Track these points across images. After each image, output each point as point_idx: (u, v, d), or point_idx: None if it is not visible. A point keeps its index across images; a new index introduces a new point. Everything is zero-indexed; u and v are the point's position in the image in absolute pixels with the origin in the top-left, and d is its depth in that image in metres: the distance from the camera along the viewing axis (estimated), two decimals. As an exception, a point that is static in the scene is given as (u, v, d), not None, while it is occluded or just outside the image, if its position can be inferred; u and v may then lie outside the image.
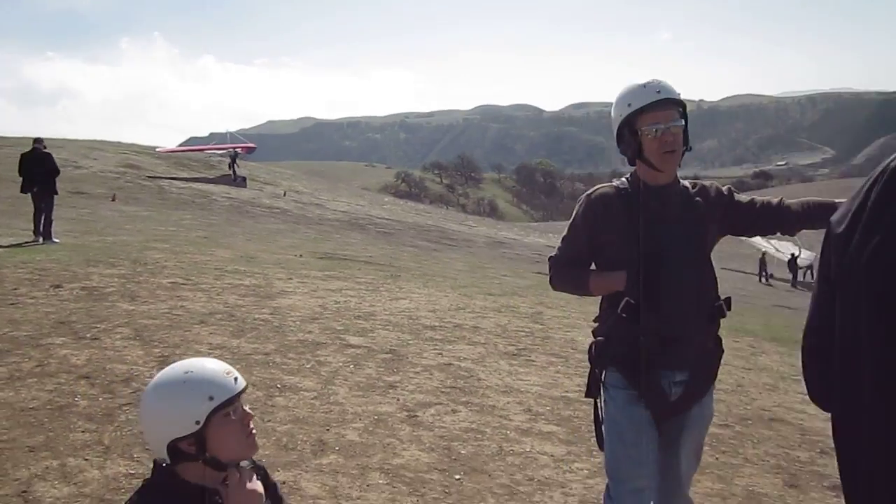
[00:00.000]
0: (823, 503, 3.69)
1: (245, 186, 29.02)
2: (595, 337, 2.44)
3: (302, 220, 22.24)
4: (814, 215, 2.45)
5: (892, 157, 1.25)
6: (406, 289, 9.59)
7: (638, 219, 2.31)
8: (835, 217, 1.33)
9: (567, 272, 2.48)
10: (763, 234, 2.56)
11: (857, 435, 1.27)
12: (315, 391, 4.70)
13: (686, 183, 2.45)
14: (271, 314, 6.83)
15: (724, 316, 2.39)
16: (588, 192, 2.48)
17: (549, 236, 33.52)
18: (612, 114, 2.44)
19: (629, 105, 2.34)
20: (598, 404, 2.44)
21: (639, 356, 2.28)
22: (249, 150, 35.35)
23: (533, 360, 6.10)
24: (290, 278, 9.23)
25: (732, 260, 41.33)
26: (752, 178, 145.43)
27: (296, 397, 4.55)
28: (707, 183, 2.51)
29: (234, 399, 1.70)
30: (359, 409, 4.46)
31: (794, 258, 31.93)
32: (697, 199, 2.41)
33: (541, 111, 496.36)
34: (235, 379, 1.74)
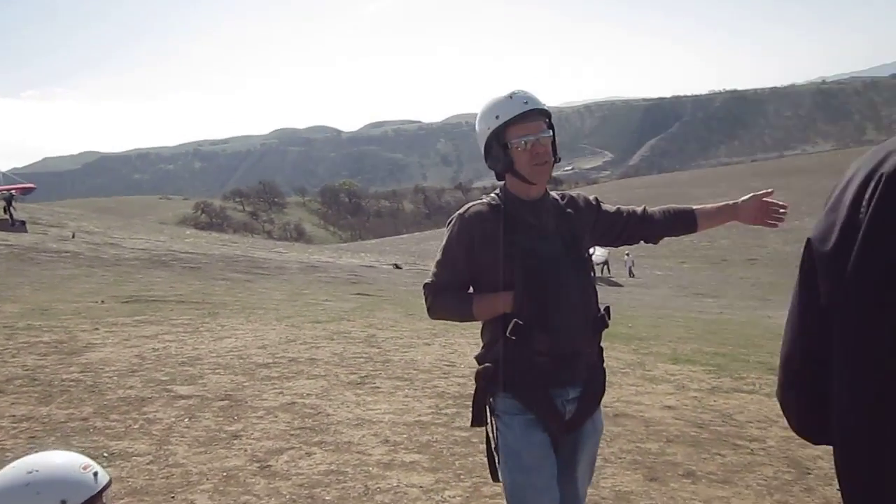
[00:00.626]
0: (684, 491, 3.82)
1: (26, 231, 26.28)
2: (481, 363, 2.31)
3: (97, 262, 20.43)
4: (674, 224, 2.50)
5: (873, 161, 1.17)
6: (229, 326, 9.02)
7: (515, 235, 2.22)
8: (815, 234, 1.23)
9: (447, 299, 2.32)
10: (629, 244, 2.57)
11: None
12: (150, 454, 4.20)
13: (554, 195, 2.41)
14: (82, 372, 6.10)
15: (606, 326, 2.36)
16: (461, 211, 2.35)
17: (363, 256, 33.40)
18: (478, 127, 2.33)
19: (497, 118, 2.25)
20: (489, 433, 2.31)
21: (534, 378, 2.19)
22: (27, 192, 32.23)
23: (378, 387, 5.90)
24: (97, 328, 8.35)
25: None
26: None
27: (128, 465, 4.03)
28: (574, 193, 2.48)
29: (95, 500, 1.38)
30: (203, 467, 4.04)
31: (589, 256, 34.15)
32: (569, 210, 2.37)
33: (339, 132, 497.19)
34: (95, 475, 1.41)
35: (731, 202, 2.49)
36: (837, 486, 1.25)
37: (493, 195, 2.36)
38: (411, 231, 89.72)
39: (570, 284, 2.24)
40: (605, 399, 5.90)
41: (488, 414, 2.30)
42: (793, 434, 1.77)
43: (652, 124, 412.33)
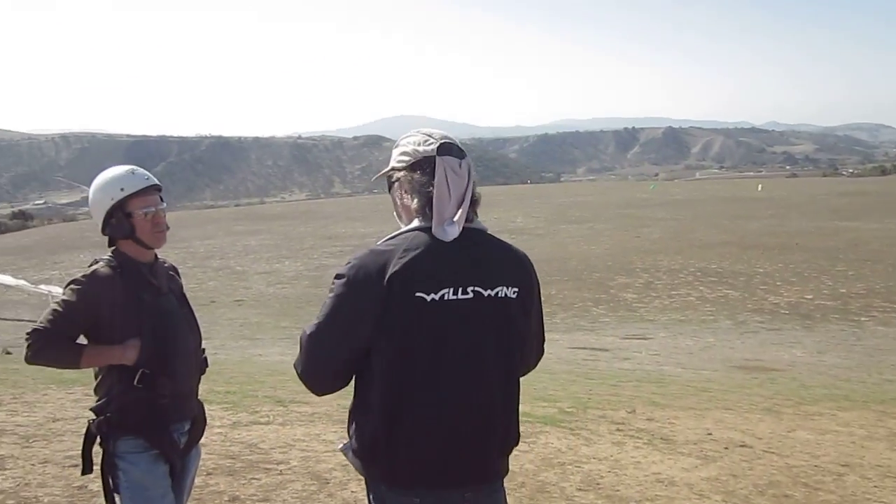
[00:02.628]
0: None
1: None
2: (100, 414, 2.55)
3: None
4: None
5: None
6: None
7: (141, 293, 2.56)
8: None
9: (55, 346, 2.51)
10: None
11: None
12: None
13: (161, 257, 2.80)
14: None
15: (207, 366, 2.84)
16: (86, 273, 2.58)
17: None
18: (96, 197, 2.62)
19: (122, 189, 2.58)
20: (107, 478, 2.56)
21: (159, 419, 2.54)
22: None
23: None
24: None
25: (6, 307, 38.60)
26: (11, 219, 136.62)
27: None
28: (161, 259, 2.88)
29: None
30: None
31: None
32: (171, 272, 2.81)
33: None
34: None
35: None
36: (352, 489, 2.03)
37: (106, 259, 2.64)
38: None
39: (185, 335, 2.68)
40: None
41: (103, 458, 2.56)
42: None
43: (135, 162, 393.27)
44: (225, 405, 7.88)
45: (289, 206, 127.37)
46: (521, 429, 2.21)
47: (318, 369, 2.04)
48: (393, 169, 2.13)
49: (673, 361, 17.33)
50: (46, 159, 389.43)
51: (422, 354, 1.94)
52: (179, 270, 2.87)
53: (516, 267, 2.08)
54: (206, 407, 7.89)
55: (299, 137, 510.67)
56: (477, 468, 2.05)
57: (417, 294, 1.92)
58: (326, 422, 7.00)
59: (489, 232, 2.10)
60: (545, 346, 2.29)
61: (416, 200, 2.02)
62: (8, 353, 17.19)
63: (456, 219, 1.97)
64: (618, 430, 7.05)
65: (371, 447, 2.01)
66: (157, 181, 2.70)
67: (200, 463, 5.46)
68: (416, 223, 2.03)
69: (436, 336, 1.94)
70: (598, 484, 5.17)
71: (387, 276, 1.90)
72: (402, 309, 1.91)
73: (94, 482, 4.74)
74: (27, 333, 2.54)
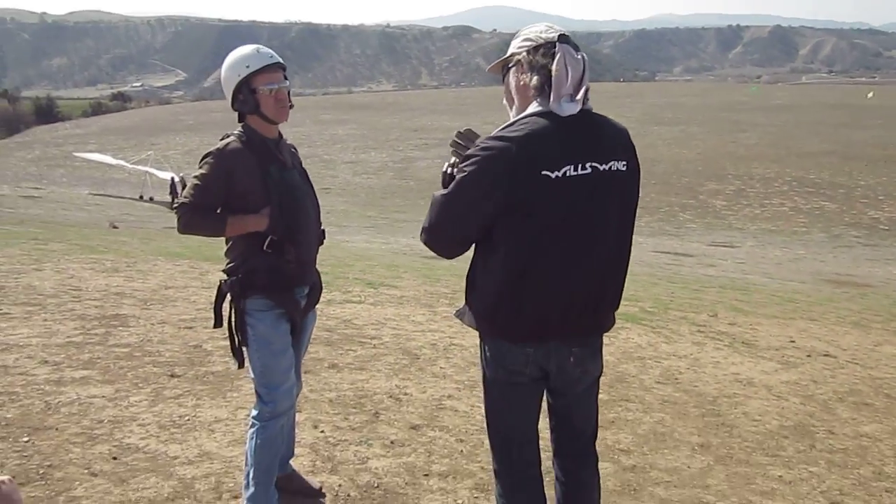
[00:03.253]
0: (332, 378, 4.72)
1: None
2: (232, 275, 2.83)
3: None
4: None
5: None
6: None
7: (269, 167, 2.78)
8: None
9: (202, 217, 2.76)
10: None
11: None
12: None
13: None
14: None
15: (325, 238, 3.08)
16: (218, 146, 2.80)
17: None
18: (226, 74, 2.81)
19: (248, 67, 2.77)
20: (234, 331, 2.86)
21: (285, 281, 2.82)
22: None
23: (8, 313, 5.66)
24: None
25: (109, 185, 40.74)
26: (111, 100, 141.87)
27: None
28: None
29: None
30: None
31: (174, 181, 32.86)
32: (293, 150, 3.02)
33: None
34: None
35: None
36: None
37: (237, 133, 2.85)
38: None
39: (308, 208, 2.91)
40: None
41: (233, 315, 2.85)
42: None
43: (227, 47, 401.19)
44: (319, 284, 8.31)
45: (376, 97, 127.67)
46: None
47: (441, 235, 2.25)
48: (513, 54, 2.25)
49: (759, 271, 17.07)
50: (143, 42, 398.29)
51: (547, 225, 2.14)
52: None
53: (623, 142, 2.26)
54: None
55: (388, 26, 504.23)
56: (588, 323, 2.30)
57: (543, 172, 2.09)
58: (415, 304, 7.33)
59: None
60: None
61: (535, 78, 2.15)
62: (115, 226, 18.35)
63: (578, 97, 2.14)
64: (699, 331, 7.13)
65: (494, 305, 2.23)
66: (280, 59, 2.85)
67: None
68: (533, 107, 2.18)
69: (560, 207, 2.13)
70: (676, 379, 5.33)
71: (512, 160, 2.08)
72: (529, 187, 2.10)
73: (208, 342, 5.22)
74: (173, 207, 2.82)
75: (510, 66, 2.26)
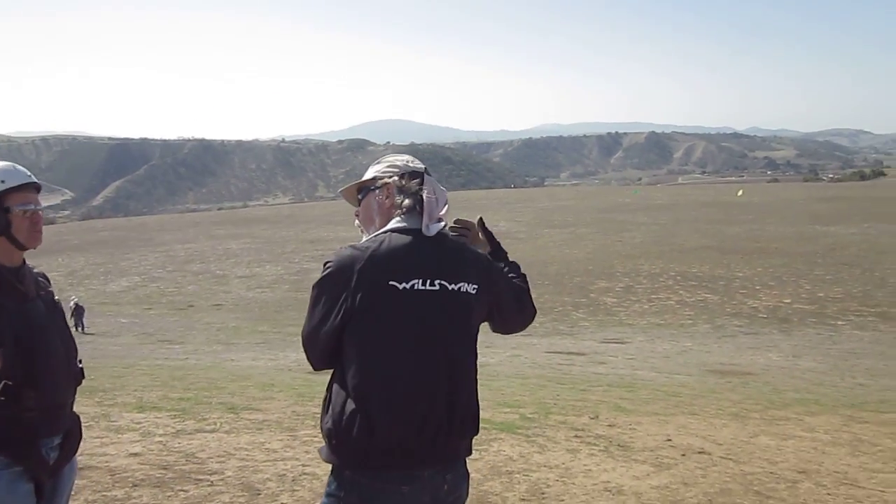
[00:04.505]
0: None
1: None
2: None
3: None
4: None
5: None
6: None
7: (2, 300, 2.34)
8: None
9: None
10: None
11: None
12: None
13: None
14: None
15: (84, 377, 2.61)
16: None
17: None
18: None
19: (2, 182, 2.37)
20: None
21: (23, 433, 2.32)
22: None
23: None
24: None
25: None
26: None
27: None
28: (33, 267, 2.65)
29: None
30: None
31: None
32: (40, 278, 2.58)
33: None
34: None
35: None
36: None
37: None
38: None
39: (55, 344, 2.45)
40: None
41: None
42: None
43: (117, 165, 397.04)
44: (174, 413, 7.63)
45: (272, 210, 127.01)
46: (475, 437, 2.37)
47: (308, 343, 2.28)
48: (376, 177, 2.36)
49: (648, 366, 17.22)
50: (26, 162, 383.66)
51: (391, 337, 2.16)
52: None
53: (479, 266, 2.33)
54: (155, 415, 7.73)
55: (283, 141, 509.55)
56: (453, 442, 2.22)
57: (391, 283, 2.15)
58: (275, 429, 6.77)
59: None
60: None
61: (407, 201, 2.28)
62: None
63: (441, 222, 2.29)
64: (576, 436, 6.86)
65: (346, 427, 2.13)
66: (37, 180, 2.52)
67: (128, 474, 5.27)
68: (395, 223, 2.27)
69: (404, 320, 2.16)
70: (542, 493, 4.97)
71: (360, 268, 2.14)
72: (376, 296, 2.14)
73: None
74: None
75: (374, 188, 2.36)
